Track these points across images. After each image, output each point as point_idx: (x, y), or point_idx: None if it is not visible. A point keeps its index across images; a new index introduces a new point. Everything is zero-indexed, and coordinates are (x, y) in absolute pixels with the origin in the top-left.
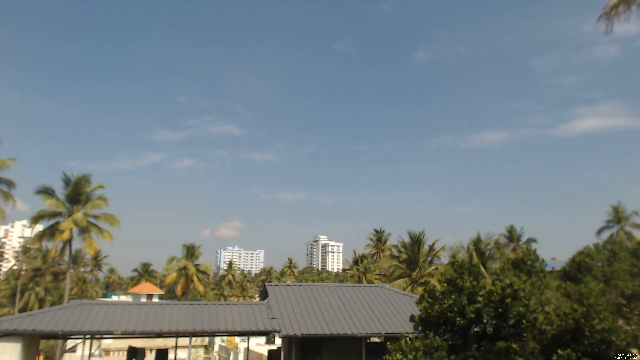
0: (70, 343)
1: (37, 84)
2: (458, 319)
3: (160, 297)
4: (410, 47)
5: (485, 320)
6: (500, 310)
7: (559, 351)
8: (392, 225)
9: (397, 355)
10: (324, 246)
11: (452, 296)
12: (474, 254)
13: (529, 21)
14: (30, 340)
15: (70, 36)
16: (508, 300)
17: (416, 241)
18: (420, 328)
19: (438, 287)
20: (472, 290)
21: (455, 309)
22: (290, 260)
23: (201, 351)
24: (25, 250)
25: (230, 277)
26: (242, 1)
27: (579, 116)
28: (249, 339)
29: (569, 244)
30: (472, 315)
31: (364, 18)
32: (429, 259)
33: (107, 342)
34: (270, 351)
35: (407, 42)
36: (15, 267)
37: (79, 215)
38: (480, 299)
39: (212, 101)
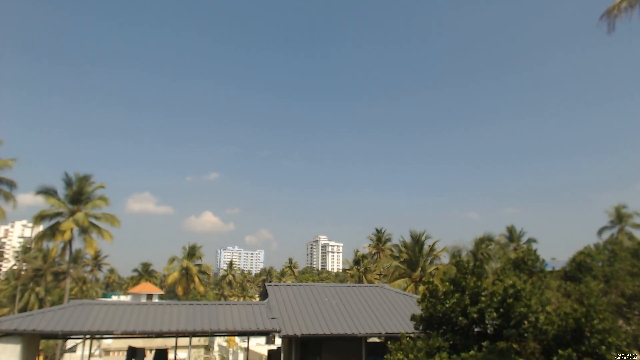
0: (70, 343)
1: (38, 83)
2: (460, 318)
3: (160, 297)
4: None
5: (487, 321)
6: (502, 310)
7: (560, 351)
8: (392, 226)
9: (399, 355)
10: (324, 246)
11: (455, 296)
12: (478, 254)
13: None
14: (30, 340)
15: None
16: (510, 300)
17: (417, 241)
18: (421, 327)
19: (440, 286)
20: (475, 291)
21: (458, 309)
22: (290, 260)
23: (202, 351)
24: (25, 250)
25: (230, 277)
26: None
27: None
28: (249, 339)
29: (569, 244)
30: (475, 316)
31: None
32: (429, 259)
33: (107, 342)
34: (270, 351)
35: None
36: (15, 267)
37: (80, 215)
38: (483, 299)
39: (211, 104)
